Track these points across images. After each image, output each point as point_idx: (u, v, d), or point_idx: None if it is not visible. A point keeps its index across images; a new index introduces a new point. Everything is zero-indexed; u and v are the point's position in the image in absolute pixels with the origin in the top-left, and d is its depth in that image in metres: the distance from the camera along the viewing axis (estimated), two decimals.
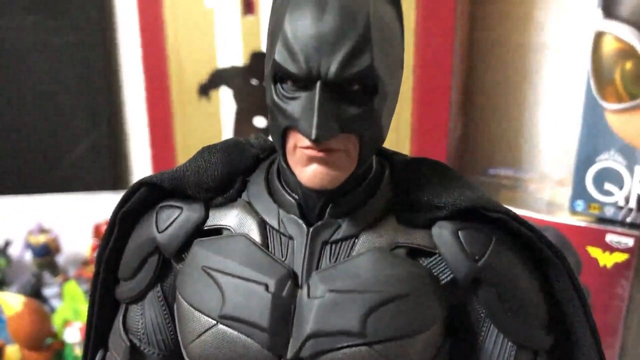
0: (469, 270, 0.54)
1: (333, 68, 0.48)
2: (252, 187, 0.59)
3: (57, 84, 1.57)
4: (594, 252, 1.13)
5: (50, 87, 1.58)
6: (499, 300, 0.56)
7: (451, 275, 0.55)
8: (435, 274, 0.55)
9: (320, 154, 0.50)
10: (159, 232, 0.59)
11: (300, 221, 0.55)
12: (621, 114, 1.08)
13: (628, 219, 1.12)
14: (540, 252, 0.57)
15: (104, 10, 1.52)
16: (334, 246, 0.54)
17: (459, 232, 0.55)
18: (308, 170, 0.51)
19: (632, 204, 1.11)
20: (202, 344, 0.54)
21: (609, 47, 1.07)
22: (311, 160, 0.51)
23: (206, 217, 0.59)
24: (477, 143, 1.39)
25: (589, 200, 1.14)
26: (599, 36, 1.07)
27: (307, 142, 0.50)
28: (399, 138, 1.22)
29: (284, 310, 0.52)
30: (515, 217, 0.56)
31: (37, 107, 1.57)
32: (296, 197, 0.56)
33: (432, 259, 0.55)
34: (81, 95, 1.56)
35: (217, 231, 0.59)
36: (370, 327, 0.51)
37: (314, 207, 0.55)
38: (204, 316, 0.54)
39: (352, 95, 0.50)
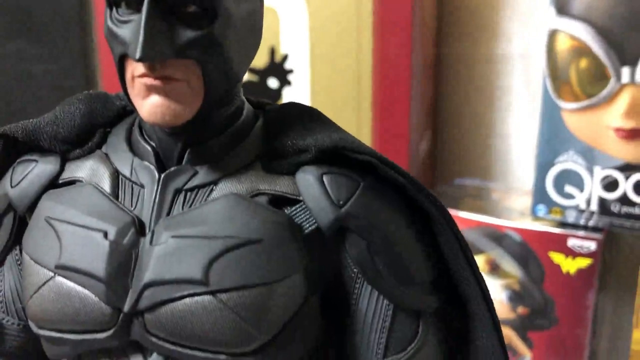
0: (332, 217, 0.50)
1: None
2: (112, 138, 0.55)
3: (39, 111, 1.59)
4: (557, 257, 1.09)
5: (31, 114, 1.59)
6: (370, 253, 0.51)
7: (315, 224, 0.51)
8: (297, 222, 0.50)
9: (157, 82, 0.47)
10: (12, 187, 0.56)
11: (152, 167, 0.52)
12: (578, 113, 1.05)
13: (590, 223, 1.08)
14: (417, 203, 0.53)
15: (85, 38, 1.55)
16: (188, 194, 0.51)
17: (324, 176, 0.51)
18: (147, 102, 0.48)
19: (594, 206, 1.07)
20: (40, 299, 0.50)
21: (563, 45, 1.05)
22: (149, 90, 0.47)
23: (61, 170, 0.55)
24: (446, 154, 1.37)
25: (550, 204, 1.11)
26: (553, 34, 1.05)
27: (142, 69, 0.47)
28: None
29: (122, 259, 0.48)
30: (386, 162, 0.52)
31: None
32: (153, 144, 0.52)
33: (295, 206, 0.51)
34: None
35: (71, 184, 0.55)
36: (214, 275, 0.47)
37: (171, 154, 0.52)
38: (42, 268, 0.50)
39: (188, 17, 0.47)
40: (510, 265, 1.13)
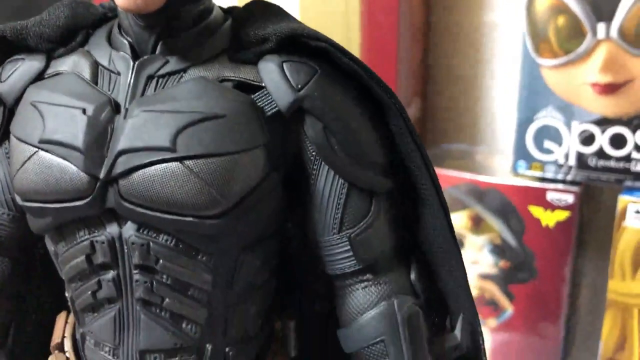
0: (291, 99, 0.54)
1: None
2: (93, 38, 0.59)
3: None
4: (536, 211, 1.12)
5: None
6: (326, 133, 0.55)
7: (276, 108, 0.55)
8: (260, 106, 0.54)
9: None
10: (1, 82, 0.60)
11: (128, 57, 0.56)
12: (556, 69, 1.08)
13: (568, 177, 1.11)
14: (372, 92, 0.57)
15: None
16: (160, 80, 0.54)
17: (284, 64, 0.55)
18: None
19: (572, 161, 1.10)
20: (25, 173, 0.54)
21: (542, 4, 1.08)
22: None
23: (47, 66, 0.59)
24: (433, 121, 1.39)
25: (530, 160, 1.14)
26: None
27: None
28: None
29: (99, 132, 0.52)
30: (343, 51, 0.55)
31: None
32: (129, 39, 0.56)
33: (258, 92, 0.55)
34: None
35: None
36: (181, 143, 0.50)
37: (145, 46, 0.55)
38: (27, 145, 0.54)
39: None
40: (492, 220, 1.16)
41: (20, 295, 0.65)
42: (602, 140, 1.07)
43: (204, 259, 0.53)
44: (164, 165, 0.51)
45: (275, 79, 0.54)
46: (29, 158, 0.54)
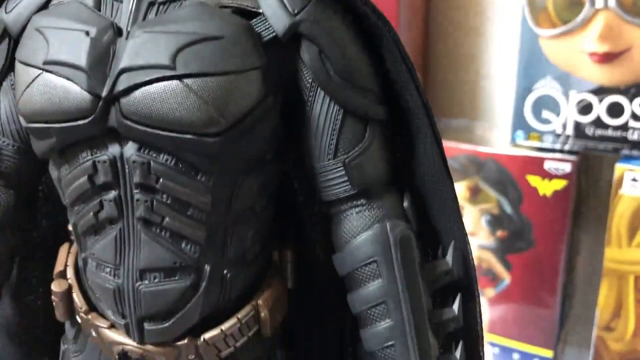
0: (287, 23, 0.55)
1: None
2: None
3: None
4: (534, 180, 1.13)
5: None
6: (322, 58, 0.56)
7: (273, 33, 0.55)
8: (257, 31, 0.55)
9: None
10: (6, 13, 0.60)
11: None
12: (555, 39, 1.09)
13: (566, 147, 1.12)
14: (367, 22, 0.58)
15: None
16: (161, 6, 0.55)
17: None
18: None
19: (569, 130, 1.11)
20: (30, 94, 0.55)
21: None
22: None
23: None
24: (434, 96, 1.40)
25: (528, 130, 1.14)
26: None
27: None
28: None
29: (101, 52, 0.53)
30: None
31: None
32: None
33: (255, 19, 0.56)
34: None
35: None
36: (180, 62, 0.51)
37: None
38: (32, 68, 0.55)
39: None
40: (489, 190, 1.17)
41: (25, 230, 0.66)
42: (600, 109, 1.08)
43: (203, 179, 0.54)
44: (164, 83, 0.52)
45: (272, 4, 0.55)
46: (33, 80, 0.55)
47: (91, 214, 0.56)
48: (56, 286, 0.62)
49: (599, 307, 1.11)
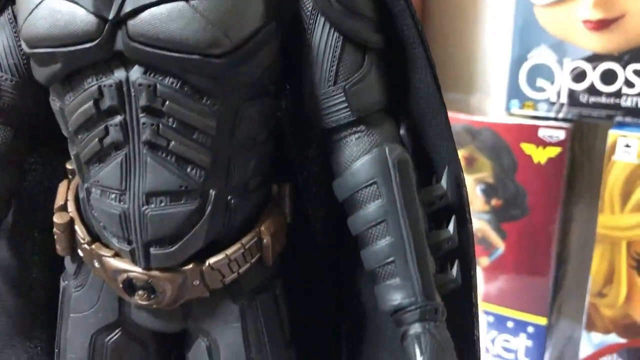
0: None
1: None
2: None
3: None
4: (528, 148, 1.14)
5: None
6: None
7: None
8: None
9: None
10: None
11: None
12: (549, 7, 1.10)
13: (560, 115, 1.13)
14: None
15: None
16: None
17: None
18: None
19: (563, 98, 1.12)
20: (34, 19, 0.55)
21: None
22: None
23: None
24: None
25: (522, 99, 1.15)
26: None
27: None
28: None
29: None
30: None
31: None
32: None
33: None
34: None
35: None
36: None
37: None
38: None
39: None
40: (484, 159, 1.18)
41: (22, 168, 0.67)
42: (594, 76, 1.09)
43: (208, 102, 0.55)
44: (170, 4, 0.52)
45: None
46: (37, 5, 0.55)
47: (96, 140, 0.56)
48: (58, 218, 0.63)
49: (592, 274, 1.12)
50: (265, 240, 0.61)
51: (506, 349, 1.25)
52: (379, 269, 0.59)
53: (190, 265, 0.59)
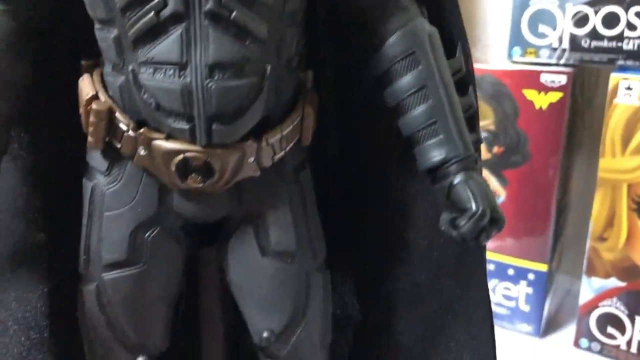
0: None
1: None
2: None
3: None
4: (530, 94, 1.14)
5: None
6: None
7: None
8: None
9: None
10: None
11: None
12: None
13: (562, 60, 1.13)
14: None
15: None
16: None
17: None
18: None
19: (565, 43, 1.12)
20: None
21: None
22: None
23: None
24: None
25: (525, 45, 1.16)
26: None
27: None
28: None
29: None
30: None
31: None
32: None
33: None
34: None
35: None
36: None
37: None
38: None
39: None
40: (486, 107, 1.18)
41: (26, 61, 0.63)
42: (596, 20, 1.09)
43: None
44: None
45: None
46: None
47: (152, 13, 0.54)
48: (98, 105, 0.60)
49: (593, 218, 1.13)
50: (306, 122, 0.63)
51: (506, 297, 1.26)
52: (421, 131, 0.62)
53: (249, 141, 0.59)
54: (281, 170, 0.64)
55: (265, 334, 0.65)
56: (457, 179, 0.61)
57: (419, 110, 0.62)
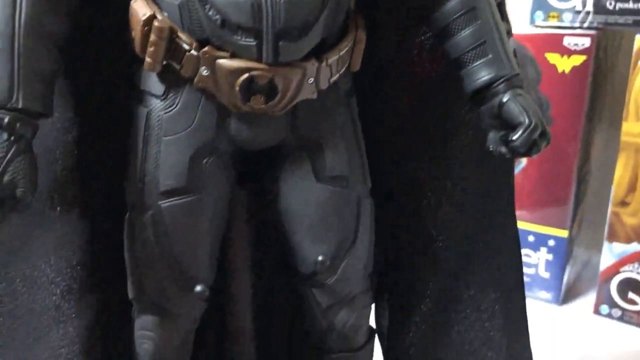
0: None
1: None
2: None
3: None
4: (553, 58, 1.14)
5: None
6: None
7: None
8: None
9: None
10: None
11: None
12: None
13: (585, 24, 1.12)
14: None
15: None
16: None
17: None
18: None
19: (589, 6, 1.11)
20: None
21: None
22: None
23: None
24: None
25: (547, 9, 1.15)
26: None
27: None
28: None
29: None
30: None
31: None
32: None
33: None
34: None
35: None
36: None
37: None
38: None
39: None
40: None
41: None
42: None
43: None
44: None
45: None
46: None
47: None
48: (159, 22, 0.58)
49: (615, 183, 1.12)
50: (359, 44, 0.64)
51: (526, 264, 1.26)
52: (469, 52, 0.63)
53: (311, 60, 0.59)
54: (335, 93, 0.64)
55: (320, 257, 0.66)
56: (507, 97, 0.62)
57: (468, 32, 0.63)
